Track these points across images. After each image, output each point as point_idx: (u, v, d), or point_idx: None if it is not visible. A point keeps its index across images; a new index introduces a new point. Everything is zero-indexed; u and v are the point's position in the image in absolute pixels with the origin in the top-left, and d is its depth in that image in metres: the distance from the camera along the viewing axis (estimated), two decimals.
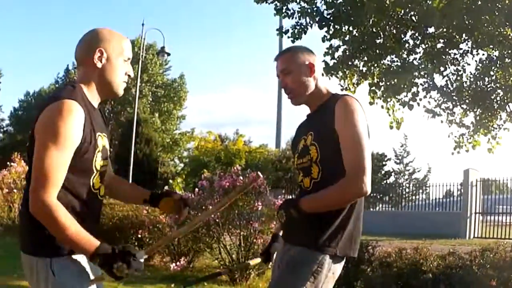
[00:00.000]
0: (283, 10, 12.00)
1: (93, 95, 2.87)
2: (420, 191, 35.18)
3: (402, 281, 6.36)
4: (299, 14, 11.69)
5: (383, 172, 46.55)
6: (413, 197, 34.42)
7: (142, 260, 2.61)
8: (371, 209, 33.46)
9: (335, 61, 11.64)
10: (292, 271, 3.20)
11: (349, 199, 3.11)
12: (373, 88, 11.97)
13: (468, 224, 23.39)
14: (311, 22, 11.52)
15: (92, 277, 2.76)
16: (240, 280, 9.78)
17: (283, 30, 12.50)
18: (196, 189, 10.58)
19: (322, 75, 11.32)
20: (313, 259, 3.14)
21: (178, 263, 10.25)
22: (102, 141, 2.85)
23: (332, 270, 3.20)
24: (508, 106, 11.40)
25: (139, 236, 11.21)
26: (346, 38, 11.51)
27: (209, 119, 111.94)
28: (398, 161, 51.54)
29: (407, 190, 35.77)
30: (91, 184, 2.80)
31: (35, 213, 2.50)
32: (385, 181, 43.79)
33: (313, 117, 3.46)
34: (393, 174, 48.74)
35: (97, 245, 2.55)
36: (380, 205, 34.37)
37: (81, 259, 2.74)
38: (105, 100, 2.96)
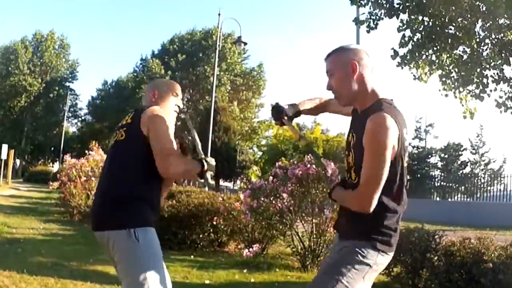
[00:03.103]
0: (358, 0, 12.10)
1: None
2: (495, 181, 34.44)
3: (465, 270, 6.48)
4: (372, 3, 11.79)
5: (459, 162, 45.76)
6: (488, 188, 33.73)
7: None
8: (449, 199, 33.11)
9: (407, 50, 11.66)
10: (339, 260, 3.34)
11: (355, 208, 3.29)
12: (444, 79, 11.94)
13: None
14: (382, 12, 11.60)
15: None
16: (311, 266, 9.85)
17: (359, 20, 12.63)
18: (271, 177, 10.61)
19: (397, 65, 11.43)
20: (359, 250, 3.28)
21: (251, 249, 10.37)
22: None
23: (377, 263, 3.32)
24: None
25: (214, 223, 11.44)
26: (420, 28, 11.54)
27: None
28: (474, 151, 50.56)
29: (482, 180, 35.19)
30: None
31: None
32: (461, 171, 43.06)
33: (357, 119, 3.44)
34: (469, 164, 47.88)
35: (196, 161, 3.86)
36: (456, 195, 33.97)
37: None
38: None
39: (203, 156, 3.90)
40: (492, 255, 6.48)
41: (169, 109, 4.01)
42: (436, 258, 7.43)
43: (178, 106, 4.12)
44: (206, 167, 3.81)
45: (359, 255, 3.28)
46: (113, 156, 3.79)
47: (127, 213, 3.51)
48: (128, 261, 3.48)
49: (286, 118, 3.78)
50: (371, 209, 3.15)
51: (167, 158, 3.48)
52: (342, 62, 3.37)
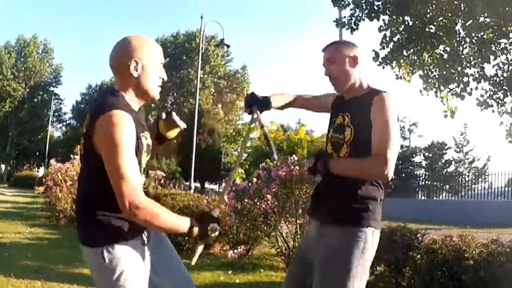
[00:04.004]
0: (340, 2, 12.18)
1: (132, 100, 3.12)
2: (480, 179, 34.67)
3: (446, 267, 6.52)
4: (353, 6, 11.87)
5: (443, 160, 46.03)
6: (473, 186, 33.84)
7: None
8: (434, 198, 33.27)
9: (388, 50, 11.73)
10: (339, 257, 3.35)
11: (370, 176, 3.36)
12: (424, 78, 11.98)
13: None
14: (363, 13, 11.69)
15: (141, 261, 3.10)
16: None
17: (340, 22, 12.71)
18: (254, 179, 10.64)
19: (379, 65, 11.53)
20: (358, 237, 3.34)
21: (236, 250, 10.43)
22: (146, 140, 3.14)
23: (374, 243, 3.41)
24: None
25: None
26: (401, 28, 11.63)
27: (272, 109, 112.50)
28: (458, 149, 50.83)
29: (467, 178, 35.25)
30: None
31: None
32: (445, 170, 43.31)
33: (348, 103, 3.68)
34: (453, 162, 48.13)
35: (189, 220, 3.04)
36: (441, 194, 34.14)
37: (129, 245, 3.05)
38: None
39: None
40: (474, 252, 6.53)
41: (151, 93, 3.20)
42: (418, 256, 7.50)
43: (163, 79, 3.28)
44: (195, 232, 3.08)
45: (359, 243, 3.34)
46: (80, 167, 3.30)
47: (94, 228, 3.06)
48: (98, 283, 3.14)
49: (256, 108, 3.76)
50: (391, 175, 3.27)
51: (132, 211, 2.80)
52: (344, 53, 3.66)
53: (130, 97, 3.13)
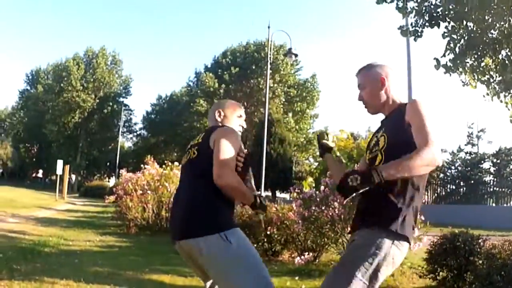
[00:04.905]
0: (404, 9, 12.19)
1: None
2: None
3: (505, 272, 6.59)
4: (416, 13, 11.90)
5: (511, 166, 45.10)
6: None
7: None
8: (504, 205, 32.75)
9: (451, 57, 11.69)
10: (353, 253, 3.50)
11: (422, 166, 3.27)
12: (486, 83, 11.89)
13: None
14: (425, 21, 11.70)
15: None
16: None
17: (404, 29, 12.74)
18: (322, 187, 10.75)
19: (445, 72, 11.50)
20: (373, 241, 3.40)
21: (302, 257, 10.47)
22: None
23: (392, 255, 3.41)
24: None
25: (268, 232, 11.49)
26: (464, 34, 11.57)
27: (342, 117, 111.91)
28: None
29: None
30: None
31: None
32: None
33: (383, 122, 3.94)
34: None
35: (253, 197, 4.04)
36: (510, 200, 33.57)
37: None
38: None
39: (258, 193, 4.17)
40: None
41: (234, 129, 4.36)
42: (480, 262, 7.57)
43: (242, 126, 4.61)
44: (258, 203, 4.04)
45: (372, 246, 3.40)
46: (190, 172, 4.18)
47: (212, 219, 3.79)
48: (225, 263, 3.70)
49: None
50: (441, 161, 3.40)
51: (223, 167, 3.80)
52: (372, 77, 3.93)
53: None
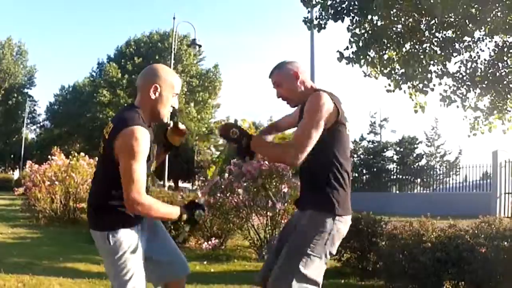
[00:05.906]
0: (309, 2, 12.41)
1: (146, 117, 3.71)
2: (452, 172, 35.18)
3: (407, 251, 6.91)
4: (320, 7, 12.15)
5: (414, 155, 46.27)
6: (445, 179, 34.48)
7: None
8: (407, 191, 33.58)
9: (353, 50, 11.98)
10: (300, 235, 3.79)
11: (279, 160, 3.91)
12: (387, 75, 12.32)
13: (498, 204, 23.42)
14: (329, 14, 11.97)
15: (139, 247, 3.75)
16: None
17: (308, 20, 12.98)
18: (226, 175, 11.03)
19: (347, 63, 11.80)
20: (318, 221, 3.75)
21: (210, 243, 10.86)
22: (155, 150, 3.93)
23: (335, 229, 3.76)
24: None
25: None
26: (367, 28, 11.89)
27: (244, 107, 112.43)
28: (429, 144, 51.19)
29: (438, 172, 35.83)
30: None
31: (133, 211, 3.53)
32: (417, 164, 43.51)
33: (302, 109, 4.04)
34: (424, 156, 48.34)
35: (179, 209, 3.75)
36: (413, 188, 34.42)
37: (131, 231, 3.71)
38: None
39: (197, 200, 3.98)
40: (432, 236, 6.94)
41: (161, 116, 3.85)
42: (383, 243, 7.94)
43: (173, 108, 3.96)
44: (184, 218, 3.78)
45: (317, 226, 3.75)
46: (98, 164, 3.98)
47: (101, 217, 3.73)
48: (105, 261, 3.79)
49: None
50: (299, 162, 3.67)
51: (131, 192, 3.41)
52: (285, 74, 4.14)
53: (145, 115, 3.72)
